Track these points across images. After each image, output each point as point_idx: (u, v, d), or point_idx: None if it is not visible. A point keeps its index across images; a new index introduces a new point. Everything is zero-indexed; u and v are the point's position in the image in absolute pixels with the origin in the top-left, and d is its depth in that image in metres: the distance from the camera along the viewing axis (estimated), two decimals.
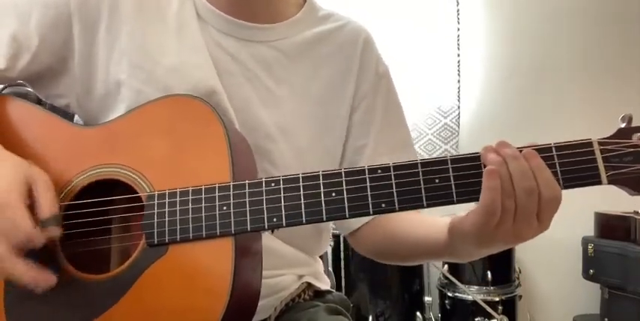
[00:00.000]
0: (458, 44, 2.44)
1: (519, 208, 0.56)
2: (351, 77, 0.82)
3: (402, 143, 0.86)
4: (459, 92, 2.45)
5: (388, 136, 0.84)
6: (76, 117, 0.80)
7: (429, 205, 0.58)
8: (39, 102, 0.78)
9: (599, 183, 0.56)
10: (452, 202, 0.57)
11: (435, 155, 2.46)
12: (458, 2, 2.44)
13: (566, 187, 0.57)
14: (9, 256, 0.56)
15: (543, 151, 0.57)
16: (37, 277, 0.58)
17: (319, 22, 0.83)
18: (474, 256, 0.67)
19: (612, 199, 1.97)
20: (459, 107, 2.45)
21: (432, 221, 0.73)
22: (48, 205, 0.60)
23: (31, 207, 0.59)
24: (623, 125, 0.57)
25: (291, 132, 0.77)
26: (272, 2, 0.79)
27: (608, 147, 0.56)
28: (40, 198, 0.60)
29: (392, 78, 0.88)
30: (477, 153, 0.58)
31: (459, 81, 2.45)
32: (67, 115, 0.77)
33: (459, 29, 2.44)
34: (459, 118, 2.45)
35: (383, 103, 0.85)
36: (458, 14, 2.44)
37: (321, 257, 0.92)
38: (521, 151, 0.57)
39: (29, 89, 0.79)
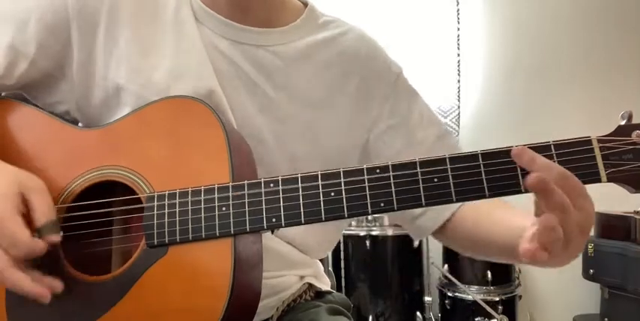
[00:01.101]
0: (458, 44, 2.44)
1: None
2: (352, 86, 0.80)
3: (440, 129, 0.83)
4: (459, 92, 2.45)
5: (426, 131, 0.82)
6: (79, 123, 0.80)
7: (427, 205, 0.57)
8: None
9: (599, 181, 0.55)
10: (451, 201, 0.57)
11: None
12: (458, 2, 2.44)
13: None
14: (9, 269, 0.56)
15: (542, 149, 0.56)
16: (39, 290, 0.58)
17: (319, 29, 0.82)
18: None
19: (612, 199, 1.96)
20: (459, 107, 2.46)
21: (514, 222, 0.67)
22: (43, 211, 0.60)
23: (28, 215, 0.59)
24: (622, 122, 0.56)
25: (286, 139, 0.76)
26: (270, 7, 0.78)
27: (608, 144, 0.55)
28: (35, 205, 0.60)
29: (407, 76, 0.85)
30: (475, 152, 0.57)
31: (459, 81, 2.45)
32: (66, 118, 0.77)
33: (459, 29, 2.44)
34: (459, 118, 2.46)
35: (407, 100, 0.83)
36: (458, 14, 2.44)
37: (321, 259, 0.92)
38: (509, 150, 0.55)
39: None
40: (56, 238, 0.60)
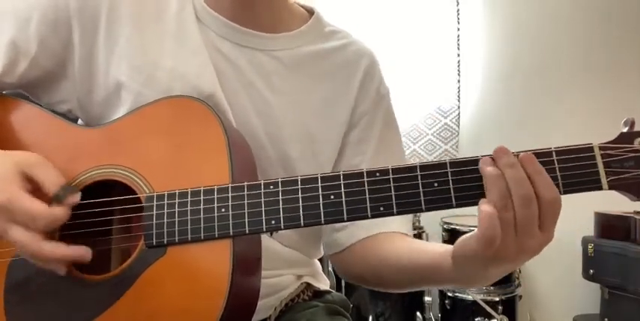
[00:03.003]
0: (458, 44, 2.44)
1: (519, 218, 0.54)
2: (350, 96, 0.81)
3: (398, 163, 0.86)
4: (459, 92, 2.45)
5: (385, 155, 0.83)
6: (80, 121, 0.80)
7: (427, 209, 0.57)
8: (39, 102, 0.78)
9: (600, 188, 0.55)
10: (451, 206, 0.57)
11: (435, 155, 2.46)
12: (458, 2, 2.44)
13: (565, 192, 0.56)
14: (37, 242, 0.57)
15: (543, 155, 0.56)
16: (77, 251, 0.59)
17: (324, 38, 0.82)
18: (478, 280, 0.65)
19: (612, 199, 1.95)
20: (459, 107, 2.45)
21: (432, 247, 0.71)
22: (51, 180, 0.61)
23: (37, 190, 0.60)
24: (625, 129, 0.56)
25: (282, 143, 0.76)
26: (274, 11, 0.79)
27: (610, 152, 0.55)
28: (41, 178, 0.60)
29: (391, 101, 0.87)
30: (476, 157, 0.57)
31: (459, 81, 2.45)
32: (68, 117, 0.77)
33: (459, 29, 2.44)
34: (459, 118, 2.45)
35: (382, 123, 0.85)
36: (458, 14, 2.44)
37: (320, 258, 0.92)
38: (517, 155, 0.56)
39: None
40: (75, 198, 0.61)
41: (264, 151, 0.75)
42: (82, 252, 0.59)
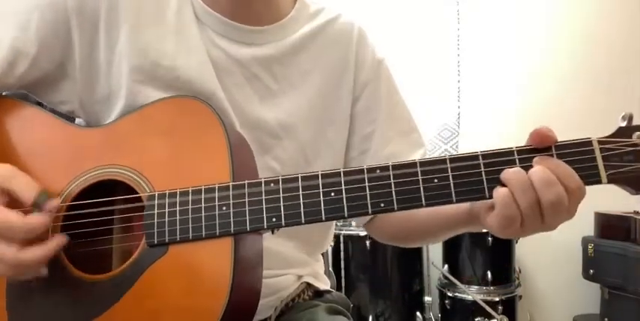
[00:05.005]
0: (458, 44, 2.44)
1: (545, 204, 0.55)
2: (349, 68, 0.83)
3: (408, 126, 0.87)
4: (459, 92, 2.45)
5: (395, 120, 0.85)
6: (77, 120, 0.80)
7: (428, 205, 0.57)
8: (39, 103, 0.78)
9: (599, 182, 0.55)
10: (451, 202, 0.57)
11: (435, 155, 2.47)
12: (458, 2, 2.44)
13: None
14: (16, 253, 0.57)
15: (543, 149, 0.57)
16: (55, 244, 0.59)
17: (311, 18, 0.84)
18: None
19: (612, 199, 1.97)
20: (459, 108, 2.46)
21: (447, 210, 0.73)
22: (26, 189, 0.59)
23: (15, 202, 0.59)
24: (623, 124, 0.56)
25: (293, 127, 0.78)
26: (269, 5, 0.80)
27: (608, 146, 0.55)
28: (16, 189, 0.59)
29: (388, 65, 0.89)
30: (476, 152, 0.57)
31: (459, 81, 2.45)
32: (68, 116, 0.77)
33: (458, 29, 2.44)
34: (459, 119, 2.46)
35: (385, 88, 0.86)
36: (458, 14, 2.44)
37: (322, 257, 0.93)
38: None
39: None
40: (53, 203, 0.59)
41: (277, 139, 0.77)
42: (55, 244, 0.59)
